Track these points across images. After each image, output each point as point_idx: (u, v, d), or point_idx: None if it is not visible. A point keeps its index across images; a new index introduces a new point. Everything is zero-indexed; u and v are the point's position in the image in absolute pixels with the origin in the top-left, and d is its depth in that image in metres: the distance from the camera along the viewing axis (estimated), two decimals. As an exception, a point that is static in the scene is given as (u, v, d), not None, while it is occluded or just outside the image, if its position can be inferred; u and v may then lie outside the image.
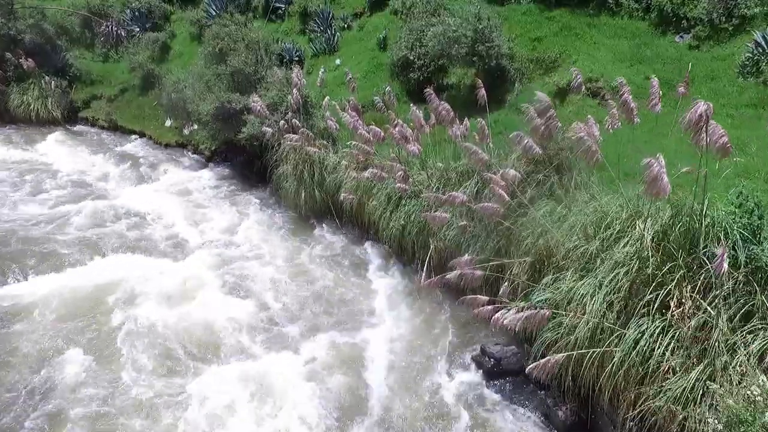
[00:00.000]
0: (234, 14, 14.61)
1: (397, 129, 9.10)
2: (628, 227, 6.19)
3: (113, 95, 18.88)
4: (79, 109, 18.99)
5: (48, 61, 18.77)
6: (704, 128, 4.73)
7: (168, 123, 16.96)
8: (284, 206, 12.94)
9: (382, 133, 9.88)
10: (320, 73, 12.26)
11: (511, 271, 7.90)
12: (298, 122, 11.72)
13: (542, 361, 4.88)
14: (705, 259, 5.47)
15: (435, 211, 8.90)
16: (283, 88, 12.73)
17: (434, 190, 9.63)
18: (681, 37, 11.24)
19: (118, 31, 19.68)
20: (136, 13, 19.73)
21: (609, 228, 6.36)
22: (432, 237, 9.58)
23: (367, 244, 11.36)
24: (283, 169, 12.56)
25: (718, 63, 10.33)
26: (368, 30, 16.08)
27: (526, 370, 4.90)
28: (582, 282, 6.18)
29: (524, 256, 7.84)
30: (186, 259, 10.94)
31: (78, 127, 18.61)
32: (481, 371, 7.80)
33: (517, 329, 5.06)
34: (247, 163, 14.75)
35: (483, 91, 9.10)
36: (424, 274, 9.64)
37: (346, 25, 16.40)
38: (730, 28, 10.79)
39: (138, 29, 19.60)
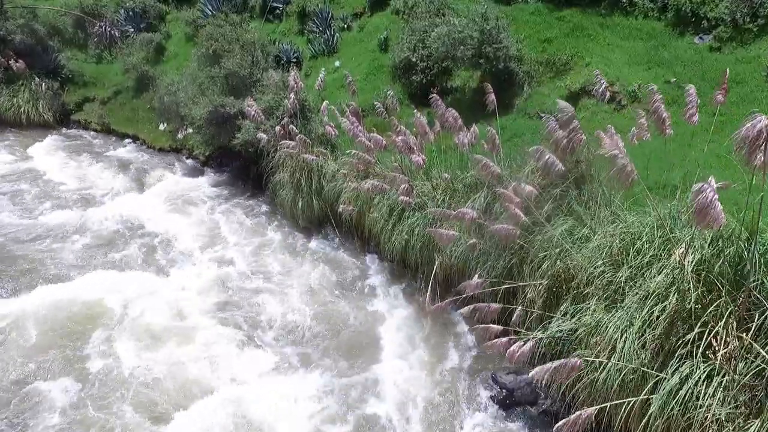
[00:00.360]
0: (229, 14, 13.82)
1: (400, 138, 8.33)
2: (661, 253, 5.41)
3: (107, 97, 18.10)
4: (71, 111, 18.22)
5: (39, 62, 18.00)
6: (764, 147, 3.96)
7: (162, 127, 16.18)
8: (281, 215, 12.19)
9: (384, 141, 9.11)
10: (320, 75, 11.48)
11: (525, 295, 7.14)
12: (294, 128, 10.94)
13: (571, 418, 4.11)
14: (755, 293, 4.71)
15: (441, 226, 8.18)
16: (280, 91, 11.95)
17: (440, 202, 8.88)
18: (701, 38, 10.45)
19: (112, 32, 18.90)
20: (131, 13, 18.95)
21: (639, 253, 5.58)
22: (437, 252, 8.83)
23: (368, 258, 10.60)
24: (279, 176, 11.80)
25: (743, 66, 9.53)
26: (369, 30, 15.30)
27: (554, 429, 4.14)
28: (610, 315, 5.40)
29: (539, 278, 7.08)
30: (178, 276, 10.18)
31: (70, 131, 17.83)
32: (495, 405, 7.03)
33: (544, 382, 4.30)
34: (244, 168, 14.00)
35: (493, 97, 8.36)
36: (429, 293, 8.90)
37: (345, 26, 15.62)
38: (755, 29, 9.99)
39: (132, 30, 18.81)
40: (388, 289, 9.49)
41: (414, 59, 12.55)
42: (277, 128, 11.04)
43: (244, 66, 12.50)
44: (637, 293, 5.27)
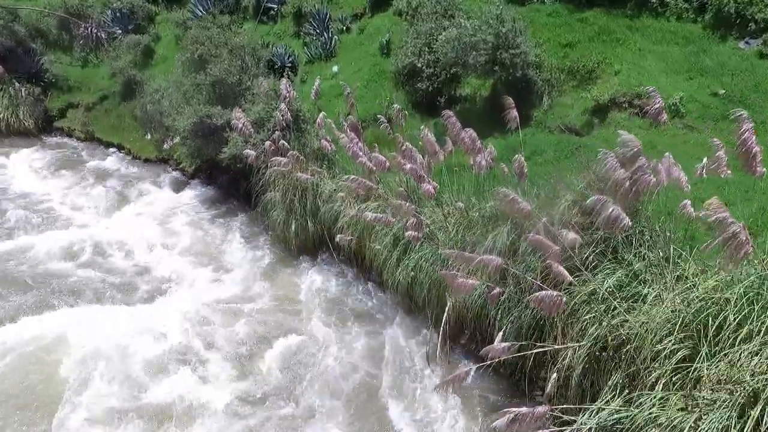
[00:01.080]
0: (217, 15, 12.35)
1: (408, 166, 6.88)
2: (764, 331, 3.99)
3: (92, 103, 16.58)
4: (54, 118, 16.72)
5: (20, 65, 16.48)
6: None
7: (148, 136, 14.71)
8: (272, 237, 10.77)
9: (387, 163, 7.67)
10: (315, 83, 10.05)
11: (562, 359, 5.72)
12: (286, 143, 9.51)
13: None
14: None
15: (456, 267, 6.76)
16: (271, 101, 10.51)
17: (452, 235, 7.44)
18: (747, 42, 9.00)
19: (98, 34, 17.39)
20: (118, 14, 17.43)
21: (727, 328, 4.16)
22: (449, 292, 7.41)
23: (369, 288, 9.19)
24: (270, 195, 10.37)
25: (801, 75, 8.13)
26: (369, 33, 13.82)
27: None
28: (687, 416, 3.97)
29: (578, 338, 5.67)
30: (154, 311, 8.81)
31: (52, 139, 16.35)
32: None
33: None
34: (233, 182, 12.58)
35: (515, 113, 6.92)
36: (439, 340, 7.49)
37: (344, 28, 14.13)
38: (812, 33, 8.58)
39: (120, 31, 17.30)
40: (391, 327, 8.10)
41: (419, 65, 11.12)
42: (267, 143, 9.59)
43: (233, 72, 11.04)
44: (728, 389, 3.84)
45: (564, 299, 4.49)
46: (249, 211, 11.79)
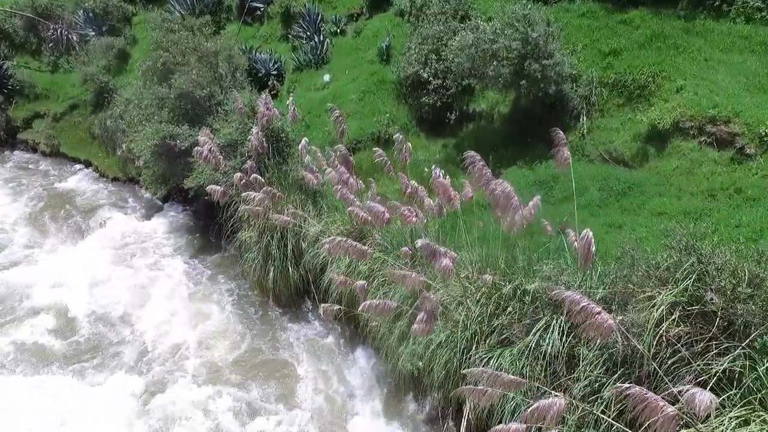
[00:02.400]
0: (185, 16, 10.12)
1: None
2: None
3: (60, 113, 14.34)
4: (18, 129, 14.54)
5: (-20, 71, 14.32)
6: None
7: (119, 152, 12.50)
8: (249, 282, 8.63)
9: (387, 214, 5.47)
10: (289, 102, 7.87)
11: None
12: (260, 176, 7.31)
13: None
14: None
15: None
16: (247, 119, 8.32)
17: (475, 315, 5.25)
18: None
19: (69, 36, 15.16)
20: (90, 15, 15.16)
21: None
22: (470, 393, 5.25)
23: (361, 356, 7.05)
24: (245, 235, 8.19)
25: None
26: (367, 36, 11.57)
27: None
28: None
29: None
30: (101, 388, 6.71)
31: (15, 153, 14.18)
32: None
33: None
34: (208, 209, 10.36)
35: (567, 152, 4.76)
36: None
37: (338, 30, 11.88)
38: None
39: (93, 33, 15.04)
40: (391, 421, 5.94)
41: (425, 75, 8.96)
42: (237, 175, 7.39)
43: (202, 84, 8.83)
44: None
45: None
46: (225, 244, 9.64)
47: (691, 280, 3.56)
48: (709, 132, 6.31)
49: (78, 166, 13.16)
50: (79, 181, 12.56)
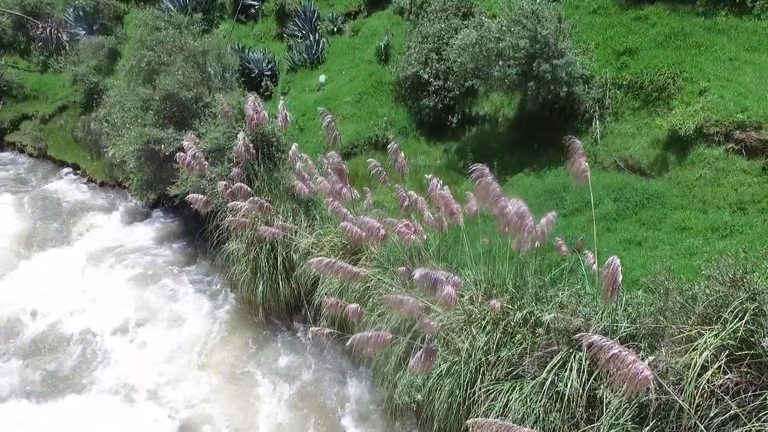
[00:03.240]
0: (173, 14, 9.52)
1: (413, 237, 4.08)
2: None
3: (48, 115, 13.76)
4: (5, 131, 13.97)
5: (-33, 71, 13.73)
6: None
7: (108, 154, 11.89)
8: (237, 295, 8.03)
9: (382, 231, 4.86)
10: (279, 106, 7.27)
11: None
12: (246, 186, 6.70)
13: None
14: None
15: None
16: (235, 123, 7.72)
17: (481, 345, 4.64)
18: None
19: (59, 35, 14.56)
20: (81, 13, 14.55)
21: None
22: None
23: (355, 382, 6.44)
24: (233, 246, 7.59)
25: None
26: (365, 35, 10.95)
27: None
28: None
29: None
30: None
31: (2, 155, 13.57)
32: None
33: None
34: (198, 216, 9.76)
35: (585, 164, 4.16)
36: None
37: (335, 28, 11.26)
38: None
39: (83, 32, 14.44)
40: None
41: (425, 76, 8.36)
42: (222, 184, 6.78)
43: (188, 85, 8.22)
44: None
45: None
46: (213, 254, 9.04)
47: (743, 321, 2.96)
48: (737, 138, 5.70)
49: (66, 170, 12.55)
50: (66, 186, 11.96)
